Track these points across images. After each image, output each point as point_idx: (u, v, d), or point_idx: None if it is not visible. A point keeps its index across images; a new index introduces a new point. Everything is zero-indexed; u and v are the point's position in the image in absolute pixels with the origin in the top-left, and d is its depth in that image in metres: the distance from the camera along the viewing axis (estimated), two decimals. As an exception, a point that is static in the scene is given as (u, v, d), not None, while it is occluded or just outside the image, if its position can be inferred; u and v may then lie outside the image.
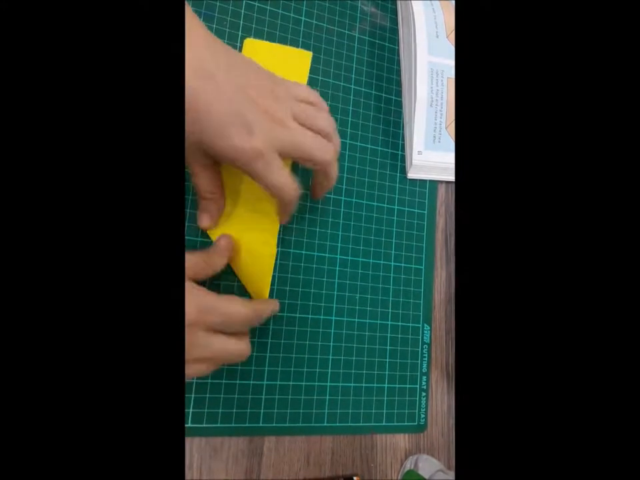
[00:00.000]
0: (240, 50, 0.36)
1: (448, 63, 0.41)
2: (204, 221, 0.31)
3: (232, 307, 0.26)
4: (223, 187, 0.31)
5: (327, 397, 0.35)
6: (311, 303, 0.35)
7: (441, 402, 0.39)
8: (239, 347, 0.27)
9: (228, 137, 0.24)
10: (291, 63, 0.37)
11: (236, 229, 0.32)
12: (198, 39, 0.24)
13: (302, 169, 0.35)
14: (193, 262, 0.28)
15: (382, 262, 0.38)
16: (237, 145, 0.24)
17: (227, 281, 0.33)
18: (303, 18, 0.38)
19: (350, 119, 0.39)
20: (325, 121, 0.29)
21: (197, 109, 0.23)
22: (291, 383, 0.34)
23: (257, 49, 0.36)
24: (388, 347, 0.37)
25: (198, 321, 0.24)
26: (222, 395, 0.32)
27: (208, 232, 0.32)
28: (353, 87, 0.40)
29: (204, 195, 0.30)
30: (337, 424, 0.35)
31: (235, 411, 0.32)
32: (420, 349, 0.39)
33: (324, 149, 0.28)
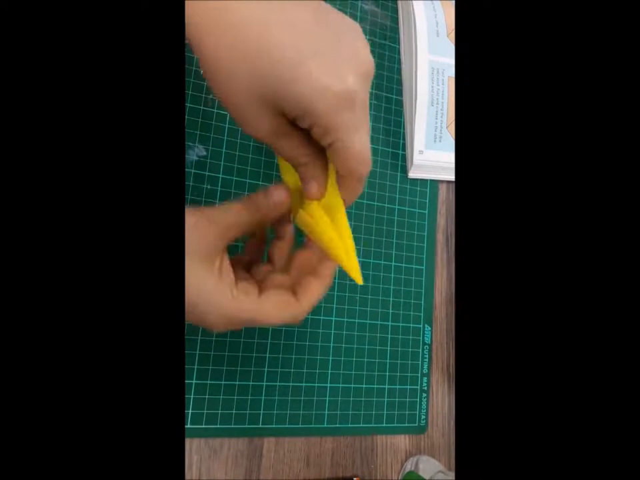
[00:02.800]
0: None
1: (449, 61, 0.41)
2: (312, 190, 0.24)
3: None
4: (318, 147, 0.23)
5: (327, 398, 0.35)
6: (310, 304, 0.35)
7: (441, 403, 0.39)
8: (285, 315, 0.23)
9: (310, 72, 0.18)
10: None
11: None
12: None
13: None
14: (245, 218, 0.23)
15: (382, 262, 0.38)
16: (322, 83, 0.18)
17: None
18: (303, 17, 0.38)
19: (350, 119, 0.39)
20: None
21: (265, 47, 0.18)
22: (290, 384, 0.34)
23: None
24: (388, 348, 0.37)
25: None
26: (221, 396, 0.32)
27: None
28: (353, 86, 0.39)
29: (298, 160, 0.23)
30: (337, 425, 0.35)
31: (234, 412, 0.32)
32: (421, 350, 0.39)
33: (367, 155, 0.22)
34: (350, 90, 0.19)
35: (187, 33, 0.20)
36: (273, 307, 0.23)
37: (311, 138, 0.22)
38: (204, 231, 0.21)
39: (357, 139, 0.20)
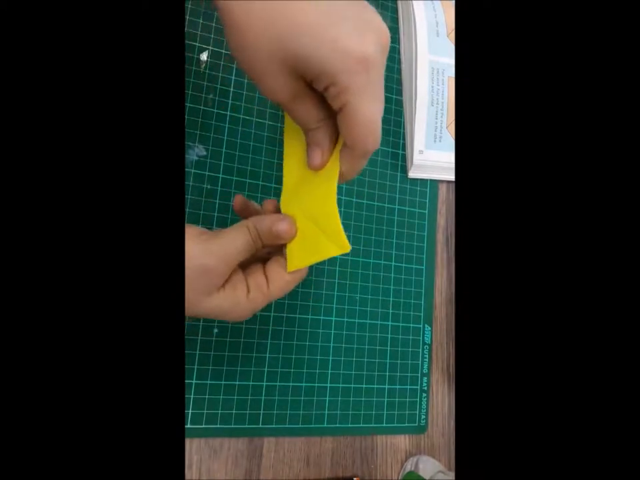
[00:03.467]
0: None
1: (448, 61, 0.41)
2: (315, 159, 0.25)
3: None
4: (331, 113, 0.24)
5: (327, 398, 0.35)
6: (310, 304, 0.35)
7: (441, 403, 0.39)
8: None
9: (334, 34, 0.19)
10: None
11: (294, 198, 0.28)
12: None
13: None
14: (250, 247, 0.25)
15: (382, 262, 0.38)
16: (344, 45, 0.19)
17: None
18: (303, 17, 0.38)
19: (350, 118, 0.39)
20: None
21: (289, 11, 0.20)
22: (290, 384, 0.34)
23: None
24: (388, 348, 0.37)
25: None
26: (221, 396, 0.32)
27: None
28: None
29: (310, 124, 0.24)
30: (337, 425, 0.35)
31: (234, 412, 0.32)
32: (421, 350, 0.39)
33: (377, 129, 0.23)
34: (369, 55, 0.20)
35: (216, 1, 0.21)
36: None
37: (324, 105, 0.23)
38: (214, 271, 0.23)
39: (368, 105, 0.21)
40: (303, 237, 0.27)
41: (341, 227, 0.25)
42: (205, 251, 0.23)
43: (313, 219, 0.27)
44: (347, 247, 0.25)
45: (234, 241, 0.24)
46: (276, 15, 0.20)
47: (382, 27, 0.21)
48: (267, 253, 0.27)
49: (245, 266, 0.26)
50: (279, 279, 0.26)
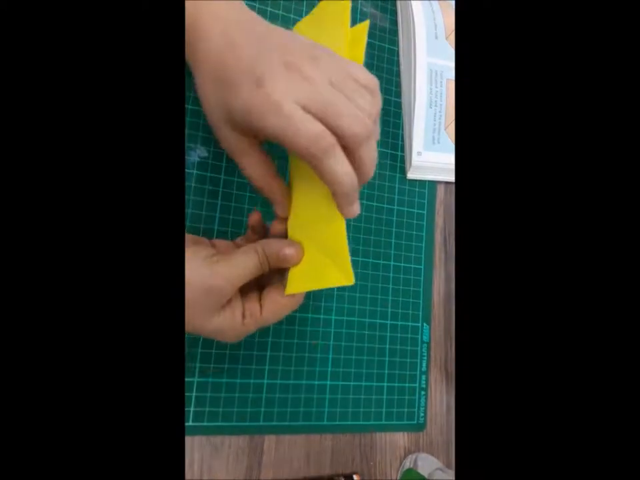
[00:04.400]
0: None
1: (447, 64, 0.41)
2: (278, 212, 0.28)
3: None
4: (274, 171, 0.27)
5: (327, 396, 0.35)
6: (310, 302, 0.35)
7: (440, 401, 0.40)
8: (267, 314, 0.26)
9: (240, 92, 0.22)
10: (329, 17, 0.32)
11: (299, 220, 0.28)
12: (226, 8, 0.24)
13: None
14: (255, 270, 0.26)
15: (381, 262, 0.38)
16: (245, 95, 0.22)
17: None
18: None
19: (350, 120, 0.39)
20: (368, 102, 0.24)
21: (221, 72, 0.23)
22: (291, 382, 0.34)
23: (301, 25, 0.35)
24: (387, 346, 0.38)
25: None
26: (223, 394, 0.32)
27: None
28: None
29: (257, 184, 0.27)
30: (337, 422, 0.35)
31: (235, 409, 0.32)
32: (419, 348, 0.39)
33: (356, 119, 0.22)
34: (272, 99, 0.22)
35: (192, 70, 0.26)
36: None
37: (270, 164, 0.26)
38: (221, 292, 0.24)
39: (291, 127, 0.21)
40: (309, 262, 0.27)
41: (349, 258, 0.25)
42: (213, 273, 0.24)
43: (322, 247, 0.27)
44: (351, 279, 0.25)
45: (243, 265, 0.25)
46: (220, 77, 0.23)
47: (296, 63, 0.22)
48: (267, 277, 0.28)
49: (242, 288, 0.26)
50: (274, 304, 0.27)
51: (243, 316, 0.26)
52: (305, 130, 0.22)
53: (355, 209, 0.25)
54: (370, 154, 0.24)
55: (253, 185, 0.27)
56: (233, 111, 0.23)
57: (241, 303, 0.26)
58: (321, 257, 0.26)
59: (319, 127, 0.22)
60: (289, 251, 0.26)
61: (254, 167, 0.26)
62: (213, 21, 0.24)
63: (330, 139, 0.22)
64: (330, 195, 0.25)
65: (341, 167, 0.23)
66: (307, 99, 0.22)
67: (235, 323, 0.25)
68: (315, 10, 0.34)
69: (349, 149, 0.23)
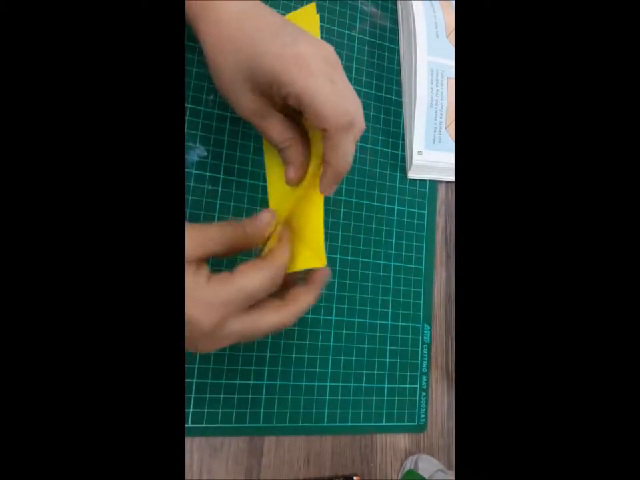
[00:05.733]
0: None
1: (448, 63, 0.41)
2: (290, 174, 0.28)
3: (247, 281, 0.23)
4: (298, 134, 0.27)
5: (327, 397, 0.35)
6: (310, 303, 0.35)
7: (440, 402, 0.39)
8: (273, 320, 0.24)
9: (271, 48, 0.24)
10: (300, 23, 0.35)
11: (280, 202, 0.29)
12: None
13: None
14: (229, 233, 0.24)
15: (382, 262, 0.38)
16: (277, 50, 0.24)
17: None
18: (303, 18, 0.38)
19: (350, 119, 0.39)
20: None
21: (244, 38, 0.24)
22: (291, 383, 0.34)
23: None
24: (388, 347, 0.37)
25: (224, 316, 0.22)
26: (222, 395, 0.32)
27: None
28: (353, 87, 0.39)
29: (279, 144, 0.27)
30: (337, 424, 0.35)
31: (235, 410, 0.32)
32: (420, 349, 0.39)
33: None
34: (300, 53, 0.23)
35: (197, 37, 0.26)
36: (261, 312, 0.24)
37: (291, 125, 0.27)
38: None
39: (317, 86, 0.23)
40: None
41: (323, 240, 0.26)
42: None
43: (298, 230, 0.27)
44: (324, 262, 0.26)
45: (219, 230, 0.25)
46: (237, 45, 0.24)
47: (319, 41, 0.25)
48: None
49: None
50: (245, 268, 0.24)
51: (208, 278, 0.23)
52: (332, 99, 0.23)
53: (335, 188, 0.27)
54: (347, 145, 0.26)
55: (275, 146, 0.27)
56: (259, 70, 0.24)
57: (207, 268, 0.23)
58: (297, 240, 0.27)
59: (344, 100, 0.24)
60: (264, 215, 0.26)
61: (274, 127, 0.27)
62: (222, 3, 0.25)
63: (350, 117, 0.24)
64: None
65: (351, 147, 0.25)
66: (331, 75, 0.24)
67: (198, 284, 0.22)
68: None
69: (329, 138, 0.25)
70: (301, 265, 0.27)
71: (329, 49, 0.26)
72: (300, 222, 0.27)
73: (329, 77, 0.24)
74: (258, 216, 0.26)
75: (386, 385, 0.37)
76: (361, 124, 0.25)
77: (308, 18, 0.35)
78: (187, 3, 0.25)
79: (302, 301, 0.26)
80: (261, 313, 0.24)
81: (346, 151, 0.25)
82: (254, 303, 0.24)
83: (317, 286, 0.27)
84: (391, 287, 0.38)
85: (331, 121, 0.23)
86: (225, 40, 0.25)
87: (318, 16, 0.34)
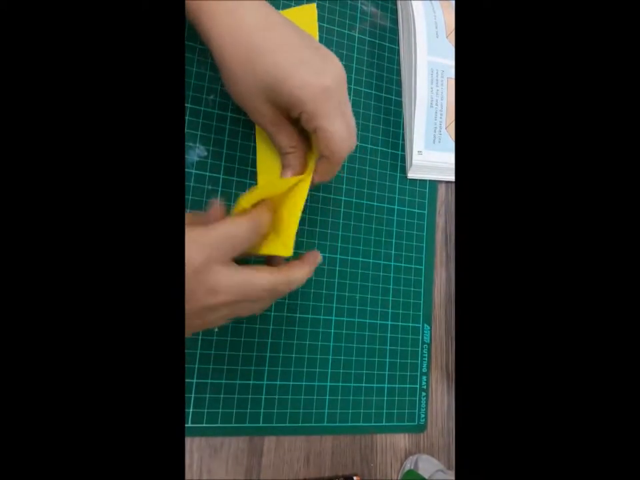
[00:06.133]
0: None
1: (448, 63, 0.41)
2: (287, 176, 0.30)
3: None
4: (303, 143, 0.30)
5: (327, 397, 0.35)
6: (311, 303, 0.35)
7: (440, 402, 0.39)
8: (266, 279, 0.25)
9: (298, 73, 0.25)
10: (300, 21, 0.36)
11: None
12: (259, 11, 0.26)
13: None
14: (246, 232, 0.25)
15: (382, 262, 0.38)
16: (307, 80, 0.25)
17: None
18: (303, 18, 0.38)
19: (350, 119, 0.39)
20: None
21: (264, 53, 0.25)
22: (291, 383, 0.34)
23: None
24: (388, 347, 0.37)
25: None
26: (222, 395, 0.32)
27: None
28: (352, 87, 0.40)
29: (284, 149, 0.29)
30: (337, 424, 0.35)
31: (235, 410, 0.32)
32: (420, 349, 0.39)
33: (352, 140, 0.28)
34: (327, 86, 0.25)
35: (205, 38, 0.27)
36: (254, 270, 0.25)
37: (297, 135, 0.29)
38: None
39: (335, 124, 0.26)
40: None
41: (294, 234, 0.28)
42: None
43: (275, 219, 0.28)
44: (290, 252, 0.27)
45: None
46: (256, 58, 0.25)
47: (335, 63, 0.27)
48: None
49: None
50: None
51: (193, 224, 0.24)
52: (345, 136, 0.26)
53: None
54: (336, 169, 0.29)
55: (279, 149, 0.30)
56: (281, 93, 0.25)
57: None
58: (271, 226, 0.28)
59: (352, 136, 0.27)
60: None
61: (283, 134, 0.29)
62: (237, 7, 0.26)
63: (352, 147, 0.27)
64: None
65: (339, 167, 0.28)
66: (343, 104, 0.26)
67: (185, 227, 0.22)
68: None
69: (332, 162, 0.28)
70: (268, 249, 0.27)
71: (339, 67, 0.27)
72: (280, 212, 0.29)
73: (343, 107, 0.26)
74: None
75: (386, 385, 0.37)
76: (349, 151, 0.28)
77: (307, 18, 0.36)
78: (197, 5, 0.26)
79: (295, 271, 0.27)
80: (254, 270, 0.25)
81: (339, 167, 0.29)
82: (241, 257, 0.25)
83: (309, 263, 0.28)
84: (391, 287, 0.38)
85: (339, 155, 0.27)
86: (242, 50, 0.25)
87: (316, 15, 0.36)
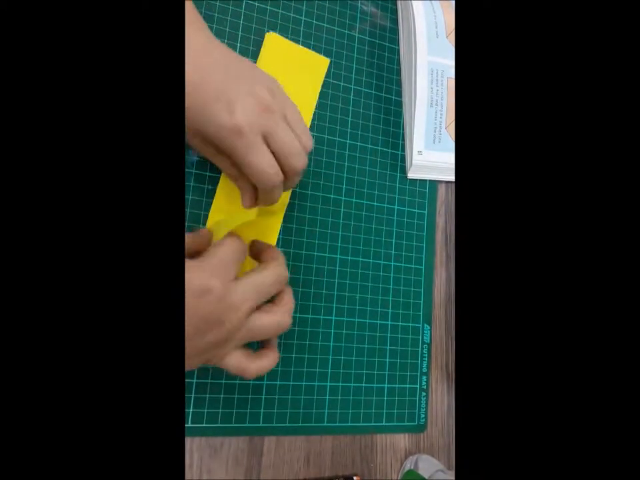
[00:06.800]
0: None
1: (448, 62, 0.41)
2: (245, 201, 0.30)
3: (264, 278, 0.27)
4: None
5: (327, 397, 0.35)
6: (310, 303, 0.35)
7: (440, 402, 0.39)
8: (276, 320, 0.27)
9: (210, 114, 0.25)
10: (307, 66, 0.37)
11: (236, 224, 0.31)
12: (197, 38, 0.26)
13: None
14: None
15: (382, 262, 0.38)
16: (218, 121, 0.25)
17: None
18: (303, 18, 0.38)
19: (350, 119, 0.39)
20: (309, 139, 0.30)
21: (192, 85, 0.25)
22: (291, 383, 0.34)
23: (277, 44, 0.36)
24: (388, 347, 0.37)
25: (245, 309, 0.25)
26: (222, 395, 0.32)
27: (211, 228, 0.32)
28: (353, 86, 0.40)
29: (231, 177, 0.30)
30: (337, 424, 0.35)
31: (234, 410, 0.32)
32: (420, 349, 0.39)
33: (300, 155, 0.28)
34: (237, 124, 0.25)
35: None
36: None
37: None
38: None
39: (249, 154, 0.26)
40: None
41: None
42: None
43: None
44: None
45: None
46: (189, 100, 0.25)
47: (257, 94, 0.26)
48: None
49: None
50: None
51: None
52: (265, 168, 0.26)
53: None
54: (292, 184, 0.30)
55: (229, 177, 0.31)
56: (205, 132, 0.26)
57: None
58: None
59: (274, 168, 0.27)
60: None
61: (224, 164, 0.30)
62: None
63: (280, 177, 0.27)
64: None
65: (278, 193, 0.29)
66: (266, 130, 0.26)
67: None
68: (290, 49, 0.37)
69: (287, 177, 0.28)
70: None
71: (257, 96, 0.26)
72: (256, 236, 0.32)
73: (266, 137, 0.26)
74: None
75: (386, 385, 0.37)
76: (303, 166, 0.29)
77: (315, 67, 0.37)
78: None
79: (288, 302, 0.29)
80: (267, 314, 0.27)
81: (275, 196, 0.29)
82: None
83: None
84: (391, 287, 0.38)
85: (263, 185, 0.27)
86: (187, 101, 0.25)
87: (325, 70, 0.37)
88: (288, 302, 0.28)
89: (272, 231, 0.34)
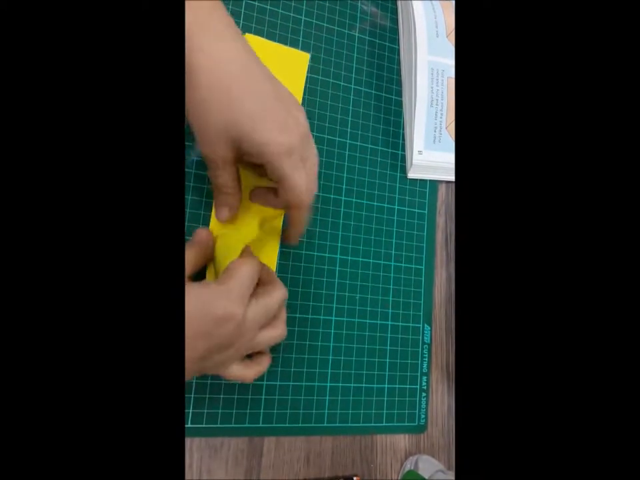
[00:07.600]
0: None
1: (448, 62, 0.41)
2: (223, 214, 0.31)
3: (273, 300, 0.28)
4: (241, 183, 0.31)
5: (327, 398, 0.35)
6: (310, 303, 0.35)
7: (441, 402, 0.39)
8: (278, 333, 0.29)
9: (265, 129, 0.26)
10: (288, 64, 0.37)
11: (238, 239, 0.32)
12: (230, 32, 0.27)
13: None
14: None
15: (382, 262, 0.38)
16: (272, 137, 0.26)
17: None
18: (303, 18, 0.38)
19: (350, 119, 0.39)
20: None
21: (231, 96, 0.25)
22: (290, 384, 0.34)
23: (255, 45, 0.36)
24: (388, 347, 0.37)
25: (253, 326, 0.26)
26: (222, 395, 0.32)
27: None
28: (353, 86, 0.40)
29: (224, 189, 0.30)
30: (337, 424, 0.35)
31: (234, 411, 0.32)
32: (420, 349, 0.39)
33: (314, 191, 0.30)
34: (290, 143, 0.26)
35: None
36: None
37: (238, 177, 0.30)
38: None
39: (296, 177, 0.27)
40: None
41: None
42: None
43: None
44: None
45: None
46: (228, 105, 0.25)
47: (300, 121, 0.28)
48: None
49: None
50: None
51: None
52: (308, 186, 0.28)
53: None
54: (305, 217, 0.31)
55: (220, 190, 0.30)
56: (249, 145, 0.26)
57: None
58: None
59: (312, 190, 0.29)
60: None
61: (228, 174, 0.29)
62: (218, 50, 0.26)
63: (313, 196, 0.29)
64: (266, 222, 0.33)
65: (307, 214, 0.30)
66: (304, 157, 0.28)
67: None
68: (268, 49, 0.37)
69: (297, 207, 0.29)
70: None
71: (303, 120, 0.28)
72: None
73: (305, 160, 0.28)
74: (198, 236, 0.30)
75: (386, 386, 0.37)
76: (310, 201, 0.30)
77: (297, 64, 0.37)
78: None
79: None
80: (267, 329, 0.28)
81: (307, 216, 0.30)
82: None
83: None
84: (391, 287, 0.38)
85: (300, 204, 0.29)
86: (216, 94, 0.25)
87: (307, 65, 0.37)
88: (284, 313, 0.30)
89: (272, 250, 0.34)
